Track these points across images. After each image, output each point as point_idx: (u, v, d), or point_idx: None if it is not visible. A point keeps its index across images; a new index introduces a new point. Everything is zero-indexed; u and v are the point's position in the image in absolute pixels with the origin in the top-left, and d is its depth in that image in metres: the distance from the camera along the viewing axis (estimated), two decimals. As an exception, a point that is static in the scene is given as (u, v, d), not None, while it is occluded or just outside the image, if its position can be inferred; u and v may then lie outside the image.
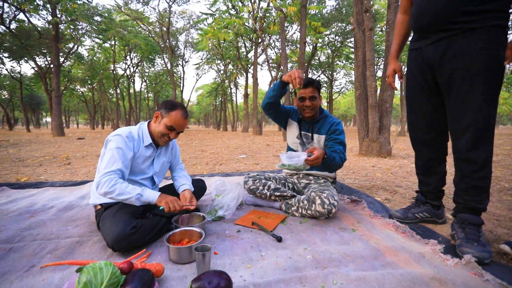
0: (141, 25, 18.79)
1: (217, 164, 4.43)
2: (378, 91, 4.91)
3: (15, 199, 2.33)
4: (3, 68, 22.29)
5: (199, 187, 1.94)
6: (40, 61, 19.30)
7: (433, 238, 1.43)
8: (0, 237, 1.52)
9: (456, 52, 1.27)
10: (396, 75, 1.71)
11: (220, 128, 31.04)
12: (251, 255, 1.31)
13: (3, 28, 14.58)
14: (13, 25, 14.78)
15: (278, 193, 1.94)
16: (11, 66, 26.23)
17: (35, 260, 1.27)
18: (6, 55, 18.24)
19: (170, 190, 1.86)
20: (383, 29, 16.42)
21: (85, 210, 2.01)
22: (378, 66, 17.46)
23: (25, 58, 18.35)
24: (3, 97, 29.94)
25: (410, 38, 1.67)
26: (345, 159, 1.84)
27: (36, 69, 17.80)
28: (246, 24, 14.04)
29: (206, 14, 13.94)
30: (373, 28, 4.71)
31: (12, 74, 22.40)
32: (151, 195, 1.43)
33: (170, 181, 2.03)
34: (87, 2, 13.09)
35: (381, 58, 18.06)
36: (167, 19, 18.51)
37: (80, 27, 14.68)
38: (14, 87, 26.51)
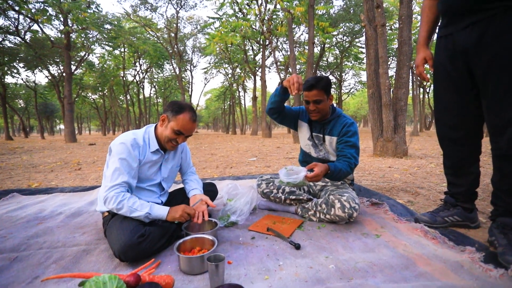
0: (150, 32, 19.07)
1: (227, 167, 4.35)
2: (392, 89, 4.74)
3: (25, 205, 2.30)
4: (18, 77, 23.03)
5: (210, 192, 1.85)
6: (53, 70, 19.88)
7: (469, 245, 1.28)
8: (7, 245, 1.47)
9: (496, 35, 1.13)
10: (426, 66, 1.54)
11: (229, 131, 31.09)
12: (268, 265, 1.20)
13: (19, 39, 15.12)
14: (27, 36, 15.30)
15: (293, 197, 1.82)
16: (26, 75, 27.03)
17: (39, 270, 1.20)
18: (21, 65, 18.87)
19: (180, 194, 1.78)
20: (392, 27, 16.12)
21: (93, 216, 1.95)
22: (388, 65, 17.11)
23: (39, 68, 18.93)
24: (19, 106, 30.95)
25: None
26: (355, 164, 1.71)
27: (49, 77, 18.30)
28: (253, 26, 14.04)
29: (213, 18, 14.00)
30: (386, 24, 4.57)
31: (27, 84, 23.16)
32: (160, 213, 1.38)
33: (181, 185, 1.95)
34: (97, 11, 13.38)
35: (392, 57, 17.73)
36: (174, 25, 18.74)
37: (90, 35, 15.00)
38: (29, 96, 27.38)
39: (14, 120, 37.77)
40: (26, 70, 19.40)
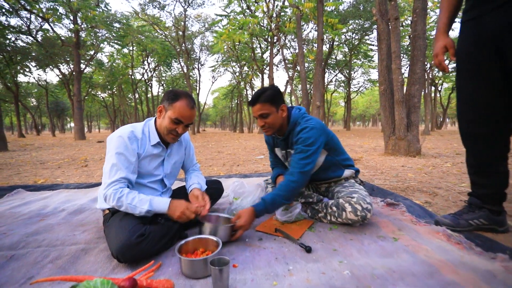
0: (158, 30, 19.15)
1: (234, 165, 4.26)
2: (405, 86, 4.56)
3: (28, 201, 2.27)
4: (30, 76, 23.56)
5: (215, 189, 1.77)
6: (64, 68, 20.21)
7: (500, 252, 1.16)
8: (5, 242, 1.42)
9: None
10: (445, 55, 1.41)
11: (237, 130, 31.08)
12: (276, 269, 1.11)
13: (31, 38, 15.41)
14: (39, 36, 15.57)
15: (303, 200, 1.72)
16: (38, 74, 27.66)
17: (35, 270, 1.14)
18: (33, 64, 19.26)
19: (183, 193, 1.70)
20: (403, 23, 15.71)
21: (95, 213, 1.90)
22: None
23: (50, 67, 19.28)
24: (31, 104, 31.64)
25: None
26: (300, 172, 1.44)
27: (60, 76, 18.61)
28: (261, 23, 13.91)
29: (220, 15, 13.94)
30: (399, 18, 4.39)
31: (39, 82, 23.63)
32: (161, 206, 1.29)
33: (184, 183, 1.87)
34: (106, 9, 13.49)
35: (402, 54, 17.32)
36: (182, 23, 18.76)
37: (100, 34, 15.15)
38: (41, 94, 27.96)
39: (27, 118, 38.68)
40: (38, 69, 19.81)
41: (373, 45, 19.55)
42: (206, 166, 4.16)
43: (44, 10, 11.99)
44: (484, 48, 1.20)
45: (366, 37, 18.98)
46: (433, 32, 18.46)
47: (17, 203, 2.21)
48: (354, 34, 19.00)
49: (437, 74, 20.67)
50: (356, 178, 1.78)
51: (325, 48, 18.65)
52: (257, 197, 1.67)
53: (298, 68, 13.86)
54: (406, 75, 4.62)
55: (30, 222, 1.76)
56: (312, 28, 17.84)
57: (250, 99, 1.55)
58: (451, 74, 21.85)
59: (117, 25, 15.15)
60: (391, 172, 3.17)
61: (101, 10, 13.07)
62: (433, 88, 21.55)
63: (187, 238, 1.38)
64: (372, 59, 21.39)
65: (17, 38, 16.03)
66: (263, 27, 14.17)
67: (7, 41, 15.55)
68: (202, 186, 1.62)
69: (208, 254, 1.15)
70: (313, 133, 1.48)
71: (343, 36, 18.74)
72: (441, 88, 25.83)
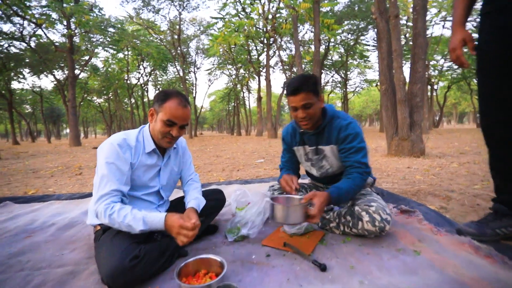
0: (153, 34, 19.02)
1: (234, 170, 4.13)
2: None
3: (16, 215, 2.13)
4: (24, 83, 23.30)
5: (216, 200, 1.62)
6: (58, 74, 19.99)
7: (538, 266, 1.04)
8: (-16, 266, 1.27)
9: None
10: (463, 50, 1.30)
11: (234, 132, 30.94)
12: (289, 294, 0.98)
13: (24, 44, 15.21)
14: (32, 42, 15.38)
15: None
16: (32, 81, 27.39)
17: (14, 301, 1.00)
18: (27, 70, 19.04)
19: (182, 205, 1.55)
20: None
21: (86, 228, 1.75)
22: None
23: (45, 73, 19.06)
24: (26, 111, 31.26)
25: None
26: (367, 172, 1.40)
27: (55, 82, 18.39)
28: (257, 25, 13.84)
29: (216, 18, 13.86)
30: (399, 15, 4.31)
31: (33, 89, 23.36)
32: (155, 223, 1.11)
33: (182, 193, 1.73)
34: (99, 14, 13.35)
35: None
36: (177, 27, 18.65)
37: (94, 39, 14.98)
38: (35, 101, 27.64)
39: (22, 125, 38.24)
40: (32, 75, 19.58)
41: (369, 45, 19.59)
42: (205, 172, 4.03)
43: (36, 15, 11.82)
44: (509, 41, 1.09)
45: (362, 37, 18.99)
46: (429, 31, 18.55)
47: (4, 218, 2.06)
48: (349, 35, 19.00)
49: (432, 73, 20.75)
50: (372, 187, 1.66)
51: (321, 49, 18.62)
52: (262, 208, 1.54)
53: (295, 69, 13.79)
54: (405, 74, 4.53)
55: (15, 240, 1.62)
56: (308, 29, 17.82)
57: (288, 87, 1.37)
58: (446, 73, 21.99)
59: (111, 29, 14.99)
60: (398, 175, 3.05)
61: (95, 15, 12.93)
62: (429, 87, 21.62)
63: (187, 255, 1.25)
64: (368, 59, 21.43)
65: (10, 44, 15.84)
66: (259, 29, 14.10)
67: (0, 48, 15.36)
68: (199, 204, 1.42)
69: (211, 278, 1.02)
70: (359, 129, 1.44)
71: (338, 37, 18.73)
72: (437, 87, 25.95)
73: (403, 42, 16.38)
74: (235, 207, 1.71)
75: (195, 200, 1.42)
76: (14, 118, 20.59)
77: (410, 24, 14.96)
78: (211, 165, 4.82)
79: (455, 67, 20.57)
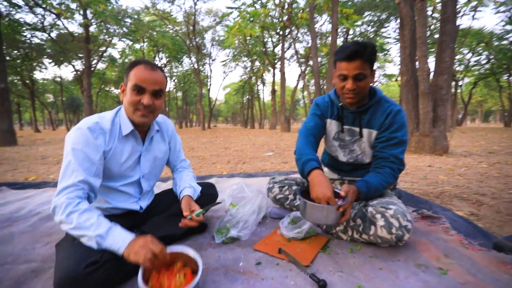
0: (168, 25, 19.01)
1: (239, 162, 3.94)
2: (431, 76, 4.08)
3: (7, 202, 2.05)
4: (46, 72, 24.16)
5: (207, 195, 1.43)
6: (77, 65, 20.50)
7: None
8: None
9: None
10: None
11: (248, 125, 30.80)
12: (276, 318, 0.78)
13: (45, 35, 15.64)
14: (53, 34, 15.79)
15: None
16: (53, 71, 28.37)
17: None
18: (48, 60, 19.64)
19: (168, 198, 1.38)
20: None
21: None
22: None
23: (65, 64, 19.60)
24: (49, 101, 32.49)
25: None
26: (401, 170, 1.23)
27: (74, 72, 18.89)
28: (272, 15, 13.46)
29: (231, 8, 13.59)
30: (426, -1, 3.90)
31: (54, 79, 24.16)
32: (117, 242, 0.87)
33: (169, 185, 1.56)
34: (116, 4, 13.39)
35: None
36: (193, 18, 18.52)
37: (111, 29, 15.14)
38: (57, 90, 28.63)
39: (45, 114, 39.87)
40: (53, 65, 20.19)
41: (390, 37, 18.69)
42: (209, 164, 3.86)
43: (55, 5, 12.01)
44: None
45: (383, 29, 18.12)
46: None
47: (-7, 204, 1.98)
48: (369, 27, 18.18)
49: (457, 68, 19.53)
50: (393, 190, 1.42)
51: (339, 41, 17.95)
52: (257, 206, 1.34)
53: (311, 62, 13.33)
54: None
55: (-6, 229, 1.51)
56: (325, 21, 17.19)
57: (342, 51, 1.15)
58: (473, 68, 20.62)
59: (128, 20, 15.07)
60: (418, 173, 2.75)
61: (111, 6, 12.99)
62: (453, 83, 20.42)
63: (206, 227, 1.09)
64: (388, 52, 20.50)
65: (32, 35, 16.32)
66: (274, 19, 13.70)
67: (23, 38, 15.85)
68: (195, 190, 1.30)
69: (186, 276, 0.85)
70: (405, 120, 1.26)
71: (358, 29, 17.97)
72: (461, 83, 24.46)
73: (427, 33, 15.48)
74: (230, 203, 1.52)
75: (190, 188, 1.27)
76: (37, 107, 21.39)
77: (436, 15, 14.06)
78: (217, 156, 4.66)
79: (483, 62, 19.28)
